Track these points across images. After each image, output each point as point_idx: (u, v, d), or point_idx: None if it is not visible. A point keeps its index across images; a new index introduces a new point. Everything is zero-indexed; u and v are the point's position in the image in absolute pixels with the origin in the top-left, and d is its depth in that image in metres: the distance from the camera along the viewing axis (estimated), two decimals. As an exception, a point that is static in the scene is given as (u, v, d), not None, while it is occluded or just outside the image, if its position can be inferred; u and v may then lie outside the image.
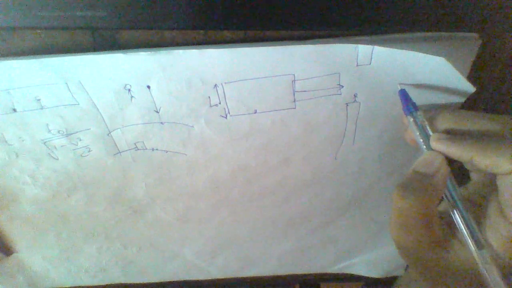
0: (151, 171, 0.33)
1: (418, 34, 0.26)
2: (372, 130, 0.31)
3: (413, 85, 0.27)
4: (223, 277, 0.45)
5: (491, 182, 0.22)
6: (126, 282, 0.44)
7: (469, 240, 0.20)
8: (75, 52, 0.26)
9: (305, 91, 0.27)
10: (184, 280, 0.45)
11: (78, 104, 0.27)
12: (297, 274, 0.45)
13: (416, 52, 0.24)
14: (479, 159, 0.20)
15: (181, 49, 0.25)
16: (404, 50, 0.24)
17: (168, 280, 0.45)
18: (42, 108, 0.27)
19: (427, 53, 0.24)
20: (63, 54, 0.26)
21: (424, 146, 0.23)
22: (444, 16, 0.24)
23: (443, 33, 0.26)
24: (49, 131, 0.29)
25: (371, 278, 0.46)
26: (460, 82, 0.25)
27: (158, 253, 0.41)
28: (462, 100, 0.27)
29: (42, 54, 0.26)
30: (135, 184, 0.34)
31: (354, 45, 0.25)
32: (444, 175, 0.21)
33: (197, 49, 0.25)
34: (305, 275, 0.46)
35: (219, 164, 0.33)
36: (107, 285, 0.44)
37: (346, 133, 0.31)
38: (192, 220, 0.38)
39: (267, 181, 0.34)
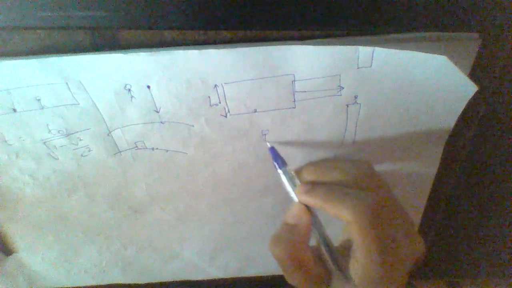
0: (152, 171, 0.33)
1: (418, 34, 0.26)
2: (372, 131, 0.31)
3: (413, 85, 0.27)
4: (223, 277, 0.45)
5: None
6: (126, 282, 0.44)
7: (337, 272, 0.23)
8: (75, 52, 0.26)
9: (305, 91, 0.27)
10: (184, 280, 0.45)
11: (78, 104, 0.27)
12: (297, 274, 0.45)
13: (417, 53, 0.24)
14: (328, 210, 0.23)
15: (181, 49, 0.25)
16: (405, 51, 0.24)
17: (168, 280, 0.45)
18: (42, 108, 0.27)
19: (427, 53, 0.24)
20: (63, 54, 0.26)
21: (295, 197, 0.26)
22: (444, 16, 0.24)
23: (443, 33, 0.26)
24: (49, 131, 0.29)
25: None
26: (463, 81, 0.25)
27: (158, 253, 0.41)
28: (466, 100, 0.27)
29: (42, 54, 0.26)
30: (135, 183, 0.34)
31: (355, 47, 0.25)
32: (307, 223, 0.24)
33: (197, 49, 0.25)
34: (305, 275, 0.46)
35: (219, 163, 0.33)
36: (107, 285, 0.44)
37: (346, 134, 0.31)
38: (192, 220, 0.38)
39: (267, 181, 0.34)
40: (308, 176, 0.27)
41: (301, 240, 0.24)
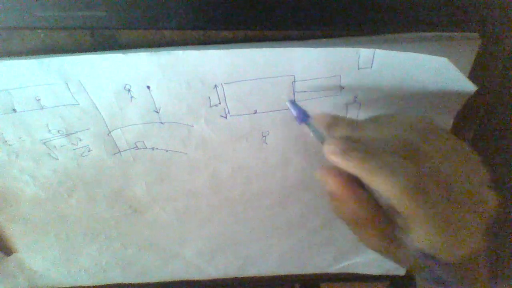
0: (151, 171, 0.33)
1: (418, 34, 0.26)
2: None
3: (413, 85, 0.27)
4: (223, 277, 0.45)
5: None
6: (126, 282, 0.44)
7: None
8: (75, 52, 0.26)
9: (305, 91, 0.27)
10: (184, 280, 0.45)
11: (78, 104, 0.27)
12: (297, 274, 0.45)
13: (417, 54, 0.24)
14: (362, 179, 0.19)
15: (181, 49, 0.25)
16: (405, 53, 0.24)
17: (168, 280, 0.45)
18: (42, 108, 0.27)
19: (427, 54, 0.24)
20: (63, 54, 0.26)
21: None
22: (444, 16, 0.24)
23: (443, 33, 0.26)
24: (49, 131, 0.29)
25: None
26: (461, 81, 0.25)
27: (158, 253, 0.41)
28: (463, 100, 0.27)
29: (42, 54, 0.26)
30: (135, 183, 0.34)
31: (355, 49, 0.25)
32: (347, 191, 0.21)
33: (197, 49, 0.25)
34: (305, 275, 0.46)
35: (219, 164, 0.33)
36: (107, 285, 0.44)
37: (346, 133, 0.31)
38: (192, 220, 0.38)
39: (267, 181, 0.34)
40: (341, 131, 0.22)
41: (357, 205, 0.21)
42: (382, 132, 0.21)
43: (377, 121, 0.22)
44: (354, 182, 0.20)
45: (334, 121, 0.23)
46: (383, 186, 0.18)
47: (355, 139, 0.21)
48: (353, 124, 0.23)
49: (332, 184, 0.21)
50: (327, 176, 0.21)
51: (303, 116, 0.25)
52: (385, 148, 0.20)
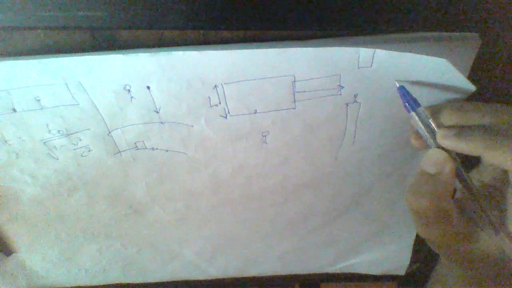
0: (151, 171, 0.33)
1: (418, 34, 0.26)
2: (372, 130, 0.31)
3: (413, 85, 0.27)
4: (223, 277, 0.45)
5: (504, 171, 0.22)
6: (126, 282, 0.44)
7: (491, 227, 0.20)
8: (74, 52, 0.26)
9: (305, 91, 0.27)
10: (184, 280, 0.45)
11: (78, 104, 0.27)
12: (297, 274, 0.45)
13: (417, 54, 0.24)
14: (489, 155, 0.19)
15: (181, 49, 0.25)
16: (405, 53, 0.24)
17: (168, 280, 0.45)
18: (42, 108, 0.27)
19: (427, 54, 0.24)
20: (63, 54, 0.26)
21: (432, 143, 0.23)
22: (444, 16, 0.24)
23: (443, 33, 0.26)
24: (49, 131, 0.29)
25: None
26: (461, 82, 0.25)
27: (158, 253, 0.41)
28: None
29: (42, 54, 0.26)
30: (135, 183, 0.34)
31: (355, 49, 0.25)
32: (451, 172, 0.21)
33: (197, 49, 0.25)
34: (305, 275, 0.46)
35: (219, 164, 0.33)
36: (107, 285, 0.44)
37: (346, 133, 0.31)
38: (192, 220, 0.38)
39: (267, 181, 0.34)
40: (450, 119, 0.23)
41: (445, 190, 0.21)
42: (493, 117, 0.21)
43: (484, 106, 0.22)
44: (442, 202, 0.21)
45: (440, 109, 0.23)
46: (504, 159, 0.19)
47: (467, 124, 0.22)
48: (460, 110, 0.23)
49: (424, 203, 0.21)
50: (418, 198, 0.21)
51: (414, 105, 0.24)
52: (499, 130, 0.20)
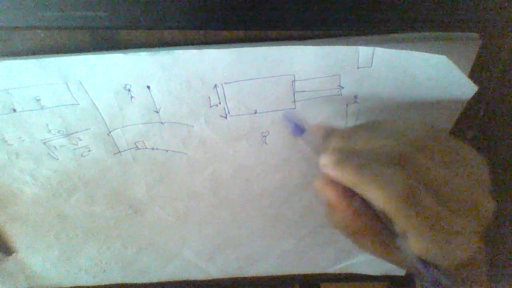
0: (151, 171, 0.33)
1: (418, 34, 0.26)
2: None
3: (413, 86, 0.27)
4: (223, 277, 0.45)
5: None
6: (126, 282, 0.44)
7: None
8: (75, 52, 0.26)
9: (305, 91, 0.27)
10: (184, 280, 0.45)
11: (78, 104, 0.27)
12: (297, 274, 0.45)
13: (417, 53, 0.24)
14: (359, 191, 0.19)
15: (181, 49, 0.25)
16: (405, 52, 0.24)
17: (168, 280, 0.45)
18: (42, 108, 0.27)
19: (427, 53, 0.24)
20: (63, 54, 0.26)
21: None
22: (444, 16, 0.24)
23: (443, 33, 0.26)
24: (49, 131, 0.29)
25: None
26: (462, 81, 0.25)
27: (158, 253, 0.41)
28: (465, 100, 0.27)
29: (42, 54, 0.26)
30: (135, 183, 0.34)
31: (355, 47, 0.25)
32: (338, 199, 0.21)
33: (197, 49, 0.25)
34: (305, 275, 0.46)
35: (219, 164, 0.33)
36: (107, 285, 0.44)
37: (346, 133, 0.31)
38: (192, 220, 0.38)
39: (267, 181, 0.34)
40: (336, 142, 0.22)
41: (344, 216, 0.21)
42: (376, 142, 0.21)
43: (372, 130, 0.22)
44: (351, 192, 0.20)
45: (329, 132, 0.23)
46: (376, 197, 0.18)
47: (350, 150, 0.21)
48: (348, 134, 0.22)
49: (330, 195, 0.21)
50: (325, 187, 0.21)
51: (299, 131, 0.24)
52: (379, 159, 0.20)
